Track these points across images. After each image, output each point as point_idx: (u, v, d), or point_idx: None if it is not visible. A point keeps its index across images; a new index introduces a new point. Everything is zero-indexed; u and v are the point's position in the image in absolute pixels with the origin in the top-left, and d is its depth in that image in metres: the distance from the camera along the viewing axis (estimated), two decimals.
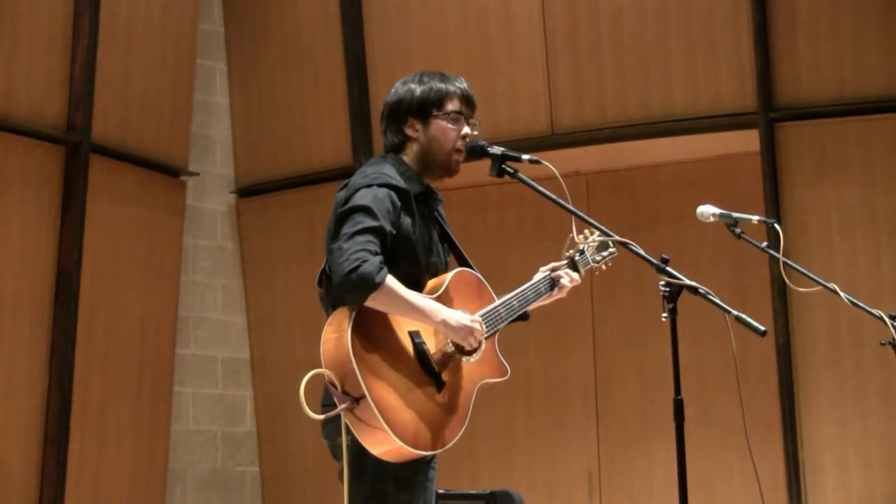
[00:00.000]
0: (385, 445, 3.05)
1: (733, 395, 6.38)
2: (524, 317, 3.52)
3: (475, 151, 3.41)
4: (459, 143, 3.39)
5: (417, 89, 3.39)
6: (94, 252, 7.19)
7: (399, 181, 3.27)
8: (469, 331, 3.19)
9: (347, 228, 3.12)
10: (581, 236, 3.66)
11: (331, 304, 3.18)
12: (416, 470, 3.19)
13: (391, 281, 3.08)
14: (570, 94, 7.36)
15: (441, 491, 3.53)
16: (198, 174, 8.13)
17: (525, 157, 3.40)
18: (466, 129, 3.40)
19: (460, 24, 7.68)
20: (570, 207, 3.38)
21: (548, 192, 3.39)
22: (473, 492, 5.74)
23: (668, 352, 3.33)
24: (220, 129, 8.46)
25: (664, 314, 3.33)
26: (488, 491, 5.69)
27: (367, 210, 3.15)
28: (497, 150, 3.42)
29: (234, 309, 8.36)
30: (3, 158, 6.83)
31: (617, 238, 3.52)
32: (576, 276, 3.59)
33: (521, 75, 7.47)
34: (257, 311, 8.35)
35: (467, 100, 3.42)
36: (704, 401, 6.83)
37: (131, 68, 7.57)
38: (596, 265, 3.71)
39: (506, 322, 3.38)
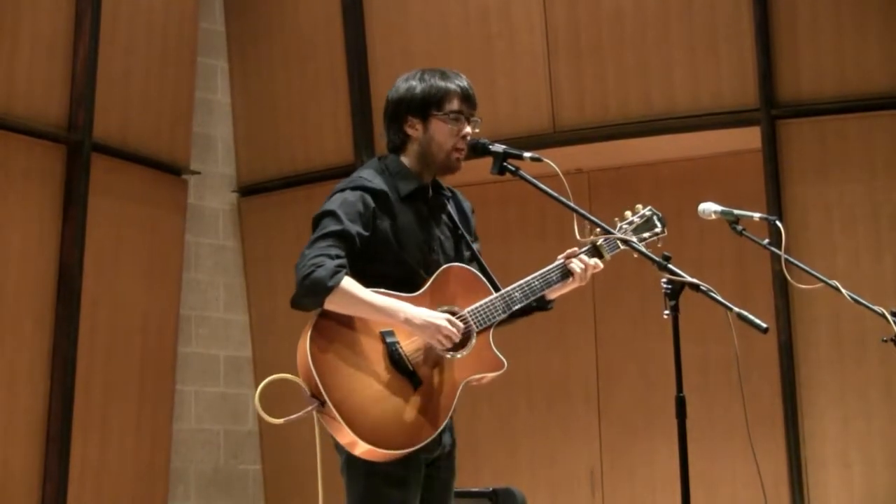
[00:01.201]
0: (358, 447, 3.08)
1: (735, 392, 6.38)
2: (544, 306, 3.48)
3: (477, 149, 3.40)
4: (459, 143, 3.38)
5: (418, 88, 3.39)
6: (95, 251, 7.19)
7: (375, 183, 3.29)
8: (436, 328, 3.16)
9: (313, 234, 3.20)
10: (622, 217, 3.57)
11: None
12: (408, 467, 3.19)
13: (348, 283, 3.10)
14: (571, 92, 7.35)
15: None
16: (199, 173, 8.13)
17: (527, 154, 3.38)
18: (467, 129, 3.39)
19: (461, 22, 7.67)
20: (572, 205, 3.36)
21: (550, 190, 3.38)
22: (476, 489, 5.74)
23: (670, 349, 3.32)
24: (221, 128, 8.47)
25: (666, 311, 3.32)
26: (491, 489, 5.69)
27: (332, 214, 3.20)
28: (499, 147, 3.40)
29: (236, 307, 8.37)
30: (4, 157, 6.84)
31: (619, 235, 3.51)
32: (593, 262, 3.45)
33: (522, 73, 7.47)
34: (259, 310, 8.35)
35: (467, 98, 3.41)
36: (706, 398, 6.83)
37: (133, 67, 7.57)
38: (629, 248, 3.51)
39: (504, 315, 3.33)
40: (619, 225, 3.57)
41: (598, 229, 3.50)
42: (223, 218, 8.42)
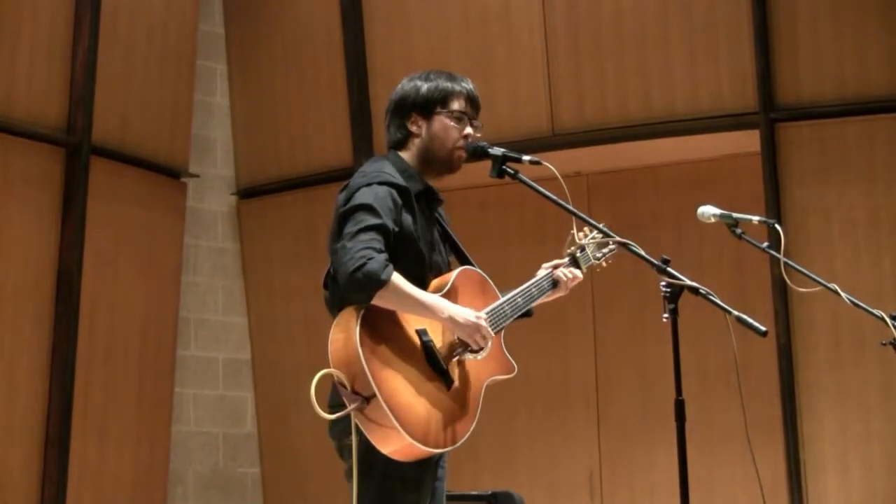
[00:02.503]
0: (396, 444, 3.05)
1: (734, 395, 6.38)
2: (528, 313, 3.53)
3: (476, 152, 3.41)
4: (461, 142, 3.39)
5: (423, 86, 3.40)
6: (94, 253, 7.19)
7: (399, 179, 3.28)
8: (476, 327, 3.19)
9: (350, 228, 3.12)
10: (581, 234, 3.67)
11: (337, 305, 3.17)
12: (423, 469, 3.19)
13: (397, 278, 3.07)
14: (570, 95, 7.35)
15: None
16: (198, 175, 8.13)
17: (525, 157, 3.40)
18: (469, 130, 3.41)
19: (461, 24, 7.68)
20: (571, 208, 3.37)
21: (548, 193, 3.39)
22: (475, 492, 5.74)
23: (669, 352, 3.32)
24: (220, 131, 8.47)
25: (665, 315, 3.33)
26: (490, 492, 5.69)
27: (369, 208, 3.15)
28: (497, 150, 3.41)
29: (234, 310, 8.36)
30: (3, 160, 6.84)
31: (617, 238, 3.52)
32: (577, 272, 3.60)
33: (521, 76, 7.47)
34: (258, 312, 8.35)
35: (472, 101, 3.44)
36: (705, 401, 6.83)
37: (132, 70, 7.57)
38: (597, 262, 3.71)
39: (511, 319, 3.39)
40: (582, 241, 3.67)
41: (592, 236, 3.64)
42: (222, 220, 8.42)
